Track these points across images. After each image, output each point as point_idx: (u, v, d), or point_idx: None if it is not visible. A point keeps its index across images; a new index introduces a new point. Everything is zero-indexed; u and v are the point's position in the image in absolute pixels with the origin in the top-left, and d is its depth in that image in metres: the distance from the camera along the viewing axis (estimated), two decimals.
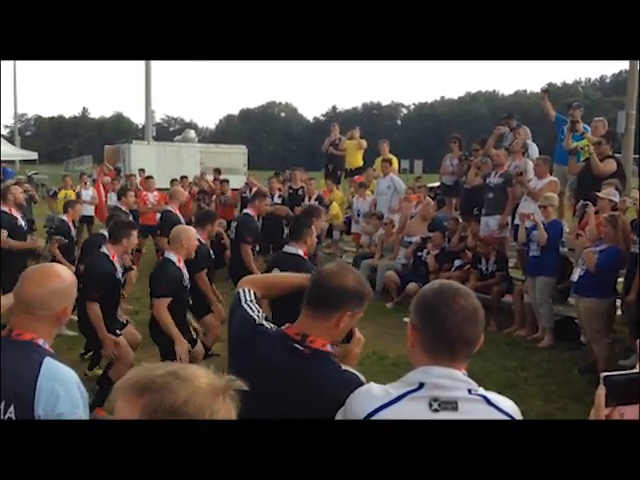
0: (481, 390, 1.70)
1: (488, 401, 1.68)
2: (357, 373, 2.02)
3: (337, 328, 2.02)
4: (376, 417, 1.65)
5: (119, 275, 5.52)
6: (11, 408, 2.11)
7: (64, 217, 8.19)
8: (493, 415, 1.66)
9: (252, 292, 2.27)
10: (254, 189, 12.59)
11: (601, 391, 1.43)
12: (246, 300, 2.21)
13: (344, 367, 2.01)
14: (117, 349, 5.23)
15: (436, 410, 1.62)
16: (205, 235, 6.35)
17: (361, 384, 1.99)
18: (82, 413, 2.17)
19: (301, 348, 1.97)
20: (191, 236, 5.18)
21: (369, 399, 1.70)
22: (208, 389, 1.18)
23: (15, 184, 12.44)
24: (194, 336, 5.28)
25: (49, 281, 2.23)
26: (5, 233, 6.90)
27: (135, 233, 5.74)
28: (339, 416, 1.80)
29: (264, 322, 2.12)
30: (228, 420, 1.22)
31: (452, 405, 1.63)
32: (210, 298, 6.15)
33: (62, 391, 2.13)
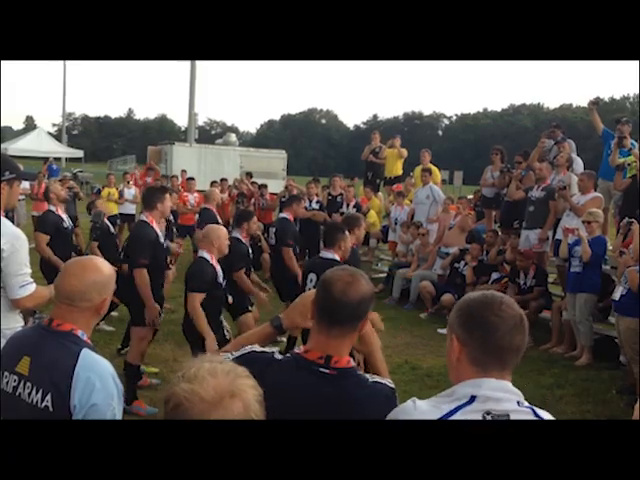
0: (526, 402, 1.67)
1: (535, 413, 1.66)
2: (386, 382, 1.99)
3: (359, 332, 2.01)
4: None
5: (162, 240, 5.55)
6: (48, 397, 2.14)
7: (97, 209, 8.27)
8: None
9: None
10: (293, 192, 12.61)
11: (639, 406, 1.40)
12: (236, 356, 2.00)
13: (372, 378, 1.98)
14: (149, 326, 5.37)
15: None
16: (244, 234, 6.39)
17: (392, 392, 1.97)
18: (116, 405, 2.20)
19: (327, 371, 1.90)
20: (221, 235, 5.22)
21: (419, 415, 1.64)
22: (207, 396, 1.27)
23: (60, 180, 12.73)
24: (227, 336, 5.31)
25: (88, 274, 2.27)
26: (47, 239, 7.01)
27: (168, 197, 5.72)
28: None
29: (275, 352, 2.03)
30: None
31: (505, 418, 1.60)
32: (252, 292, 6.21)
33: (97, 382, 2.16)
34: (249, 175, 15.98)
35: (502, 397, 1.62)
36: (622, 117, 9.38)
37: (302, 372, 1.91)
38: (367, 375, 2.00)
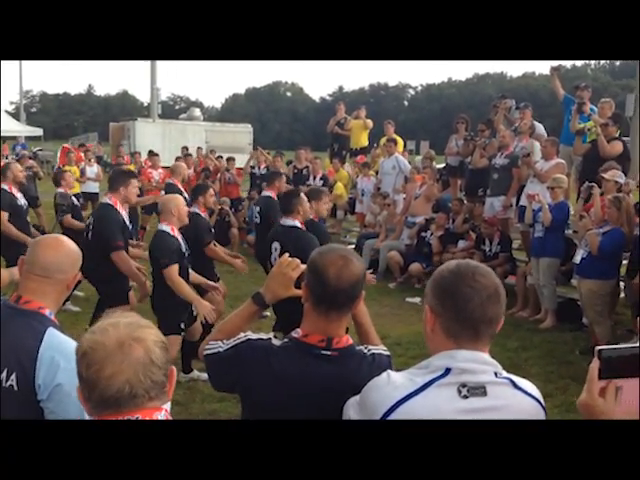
0: (505, 373, 1.65)
1: (514, 384, 1.64)
2: (381, 350, 2.01)
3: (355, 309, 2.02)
4: (403, 407, 1.57)
5: (127, 222, 5.50)
6: (13, 376, 2.13)
7: (61, 190, 8.09)
8: (520, 399, 1.64)
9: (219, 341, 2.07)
10: (262, 166, 12.48)
11: (595, 364, 1.41)
12: (230, 345, 2.00)
13: (369, 350, 1.99)
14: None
15: (465, 396, 1.57)
16: (202, 208, 6.31)
17: (389, 359, 1.99)
18: None
19: (329, 353, 1.90)
20: (179, 204, 5.10)
21: (392, 389, 1.61)
22: (109, 343, 1.42)
23: (19, 160, 12.42)
24: (194, 313, 5.28)
25: (62, 247, 2.30)
26: (6, 215, 6.86)
27: (135, 182, 5.63)
28: (351, 409, 1.73)
29: (272, 337, 2.01)
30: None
31: (481, 390, 1.58)
32: (227, 261, 6.20)
33: (62, 362, 2.13)
34: (185, 149, 15.83)
35: (477, 369, 1.60)
36: (581, 83, 9.49)
37: (305, 357, 1.90)
38: (364, 348, 2.01)
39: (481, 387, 1.58)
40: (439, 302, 1.64)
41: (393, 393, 1.60)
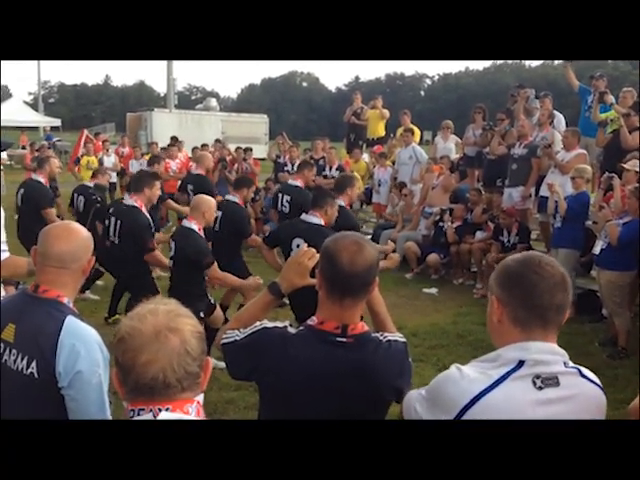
0: (571, 362, 1.66)
1: (581, 373, 1.65)
2: (397, 337, 2.02)
3: (370, 294, 2.02)
4: (482, 401, 1.56)
5: (151, 223, 5.64)
6: (33, 364, 2.14)
7: (98, 181, 8.21)
8: (589, 388, 1.66)
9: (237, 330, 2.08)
10: (287, 157, 12.39)
11: None
12: (246, 333, 2.01)
13: (385, 337, 1.99)
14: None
15: (540, 387, 1.58)
16: (241, 200, 6.34)
17: (405, 346, 2.00)
18: (102, 372, 2.20)
19: (345, 340, 1.91)
20: (212, 206, 5.15)
21: (468, 383, 1.59)
22: (146, 331, 1.42)
23: (37, 150, 12.51)
24: (212, 301, 5.30)
25: (73, 235, 2.29)
26: (54, 211, 7.04)
27: (158, 184, 5.80)
28: (417, 404, 1.70)
29: (287, 325, 2.02)
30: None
31: (554, 380, 1.59)
32: (272, 259, 6.22)
33: (82, 349, 2.15)
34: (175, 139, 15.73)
35: (550, 359, 1.60)
36: (596, 73, 9.37)
37: (320, 344, 1.91)
38: (379, 335, 2.01)
39: (554, 377, 1.59)
40: (505, 291, 1.63)
41: (471, 387, 1.58)
